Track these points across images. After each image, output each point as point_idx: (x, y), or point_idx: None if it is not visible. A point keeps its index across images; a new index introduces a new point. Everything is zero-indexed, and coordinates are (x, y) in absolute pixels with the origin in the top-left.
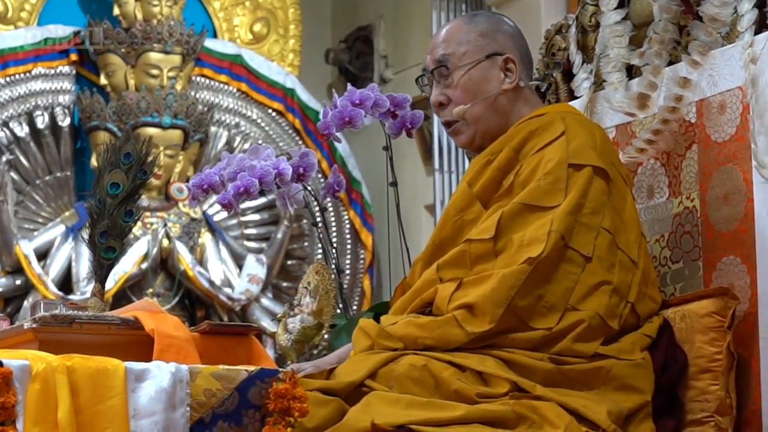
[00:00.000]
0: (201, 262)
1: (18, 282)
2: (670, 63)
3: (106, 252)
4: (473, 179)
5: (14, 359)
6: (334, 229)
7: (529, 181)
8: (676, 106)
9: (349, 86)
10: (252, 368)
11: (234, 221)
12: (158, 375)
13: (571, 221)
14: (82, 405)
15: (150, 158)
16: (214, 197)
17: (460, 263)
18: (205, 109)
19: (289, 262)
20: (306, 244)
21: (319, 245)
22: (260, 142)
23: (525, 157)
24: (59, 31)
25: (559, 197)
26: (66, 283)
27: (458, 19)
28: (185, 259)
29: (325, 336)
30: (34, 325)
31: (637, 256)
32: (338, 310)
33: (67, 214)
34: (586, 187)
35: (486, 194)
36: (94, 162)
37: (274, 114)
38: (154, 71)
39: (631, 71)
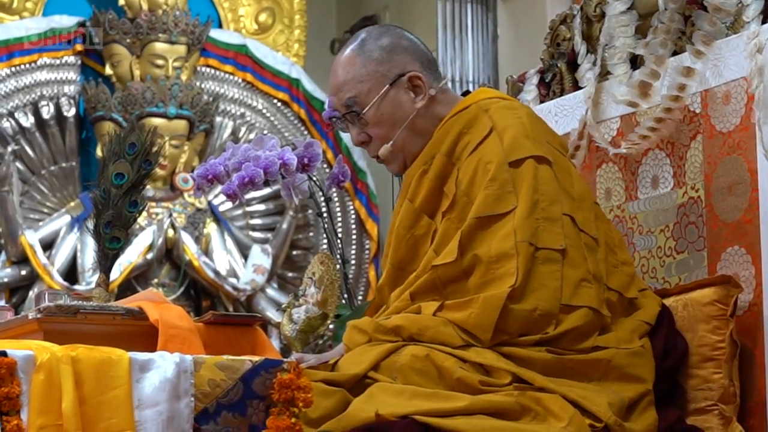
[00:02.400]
0: (206, 252)
1: (23, 272)
2: (675, 53)
3: (111, 242)
4: (413, 194)
5: (19, 349)
6: (339, 219)
7: (473, 190)
8: (679, 95)
9: None
10: (256, 358)
11: (239, 211)
12: (162, 365)
13: (532, 222)
14: (87, 395)
15: (155, 148)
16: (219, 187)
17: (433, 289)
18: (211, 99)
19: (294, 253)
20: (311, 234)
21: (325, 235)
22: (265, 132)
23: (459, 160)
24: (64, 21)
25: (510, 201)
26: (71, 273)
27: (350, 51)
28: (190, 249)
29: (330, 326)
30: (38, 316)
31: (596, 230)
32: (343, 301)
33: (72, 204)
34: (534, 181)
35: (429, 205)
36: (99, 152)
37: (279, 104)
38: (160, 61)
39: (636, 62)
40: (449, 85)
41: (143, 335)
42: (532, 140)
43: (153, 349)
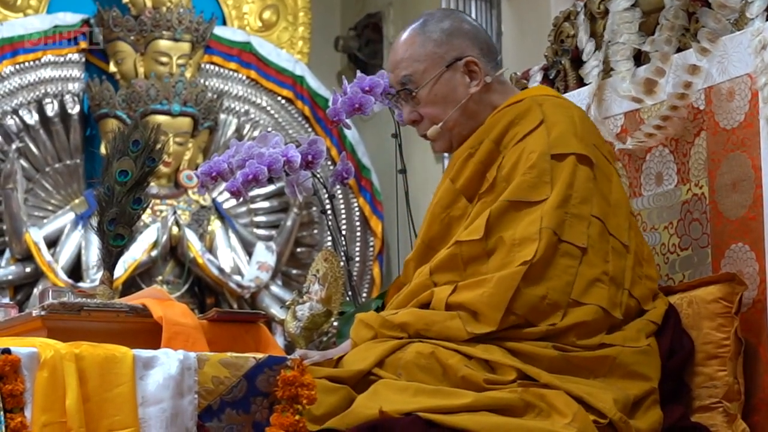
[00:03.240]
0: (210, 249)
1: (28, 269)
2: (680, 50)
3: (115, 240)
4: (456, 175)
5: (23, 347)
6: (343, 216)
7: (512, 175)
8: (685, 93)
9: (359, 73)
10: (260, 356)
11: (243, 208)
12: (166, 362)
13: (561, 214)
14: (91, 392)
15: (158, 146)
16: (223, 185)
17: (453, 266)
18: (215, 96)
19: (298, 250)
20: (315, 231)
21: (329, 232)
22: (270, 129)
23: (506, 149)
24: (68, 18)
25: (545, 191)
26: (76, 270)
27: (411, 30)
28: (195, 246)
29: (334, 323)
30: (42, 313)
31: (628, 238)
32: (347, 298)
33: (76, 201)
34: (571, 177)
35: (470, 189)
36: (103, 149)
37: (283, 101)
38: (164, 59)
39: (640, 59)
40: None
41: (147, 332)
42: (579, 139)
43: (157, 347)
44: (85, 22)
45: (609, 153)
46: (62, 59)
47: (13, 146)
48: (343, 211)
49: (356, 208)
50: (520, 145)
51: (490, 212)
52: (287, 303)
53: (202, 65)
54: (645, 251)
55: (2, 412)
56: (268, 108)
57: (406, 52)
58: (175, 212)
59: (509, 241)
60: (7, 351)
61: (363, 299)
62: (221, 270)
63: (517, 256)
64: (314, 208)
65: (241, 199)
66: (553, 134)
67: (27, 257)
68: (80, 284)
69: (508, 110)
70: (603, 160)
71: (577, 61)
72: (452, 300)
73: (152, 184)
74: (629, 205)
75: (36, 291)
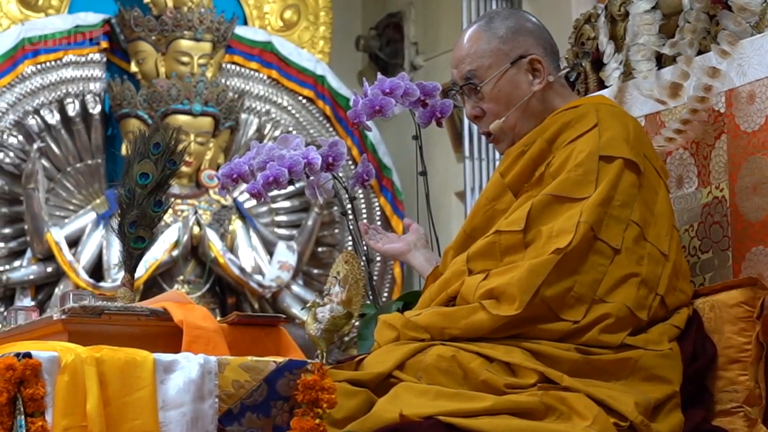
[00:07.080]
0: (231, 249)
1: (49, 269)
2: (700, 52)
3: (136, 242)
4: (506, 170)
5: (43, 351)
6: (364, 215)
7: (560, 173)
8: (705, 96)
9: (379, 75)
10: (280, 360)
11: (264, 208)
12: (187, 366)
13: (600, 213)
14: (111, 396)
15: (179, 148)
16: (244, 186)
17: (490, 254)
18: (236, 96)
19: (319, 249)
20: (337, 230)
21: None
22: (291, 129)
23: (558, 149)
24: (90, 18)
25: (589, 189)
26: (97, 270)
27: (477, 26)
28: (216, 246)
29: (355, 324)
30: (63, 316)
31: (668, 248)
32: (368, 300)
33: (97, 201)
34: (616, 180)
35: (518, 184)
36: (124, 149)
37: (304, 101)
38: (185, 59)
39: (661, 60)
40: None
41: (168, 336)
42: (630, 146)
43: (177, 350)
44: (107, 22)
45: (661, 168)
46: (83, 59)
47: (35, 146)
48: (364, 211)
49: (377, 208)
50: (572, 145)
51: (532, 204)
52: (308, 305)
53: (223, 65)
54: (683, 267)
55: (23, 417)
56: (289, 108)
57: (471, 48)
58: (196, 212)
59: (546, 233)
60: (27, 355)
61: (384, 299)
62: (242, 270)
63: (552, 246)
64: (335, 208)
65: (262, 201)
66: (605, 137)
67: (48, 257)
68: (101, 284)
69: (565, 113)
70: (653, 172)
71: (598, 64)
72: (483, 285)
73: (173, 184)
74: (674, 219)
75: (57, 291)
